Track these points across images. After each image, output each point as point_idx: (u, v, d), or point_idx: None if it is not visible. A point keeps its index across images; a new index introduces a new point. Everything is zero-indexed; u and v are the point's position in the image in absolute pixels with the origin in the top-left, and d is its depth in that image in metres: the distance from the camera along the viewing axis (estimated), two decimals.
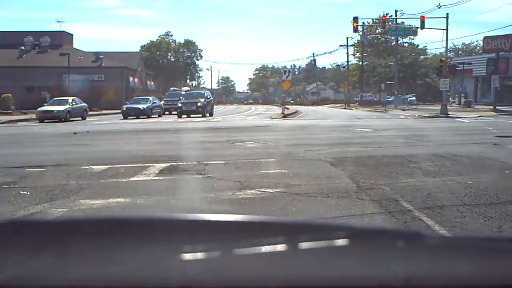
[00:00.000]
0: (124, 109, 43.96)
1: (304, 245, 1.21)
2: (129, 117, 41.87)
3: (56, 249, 1.23)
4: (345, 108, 72.18)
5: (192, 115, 42.39)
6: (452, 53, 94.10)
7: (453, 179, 10.08)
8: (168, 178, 10.50)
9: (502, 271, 1.21)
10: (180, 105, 43.69)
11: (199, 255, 1.16)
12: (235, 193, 8.77)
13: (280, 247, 1.20)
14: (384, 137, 20.51)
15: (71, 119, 38.86)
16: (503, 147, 16.68)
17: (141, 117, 42.32)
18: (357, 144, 17.44)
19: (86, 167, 11.85)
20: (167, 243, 1.24)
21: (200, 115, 42.61)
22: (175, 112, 45.18)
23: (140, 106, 44.01)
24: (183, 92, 55.99)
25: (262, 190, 8.98)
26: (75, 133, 23.31)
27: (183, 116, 42.34)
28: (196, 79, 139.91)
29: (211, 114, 45.46)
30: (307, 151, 15.04)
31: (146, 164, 12.21)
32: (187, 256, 1.16)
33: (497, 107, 47.38)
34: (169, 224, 1.39)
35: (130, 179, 10.32)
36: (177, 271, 1.15)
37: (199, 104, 43.19)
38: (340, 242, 1.23)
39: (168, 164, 12.20)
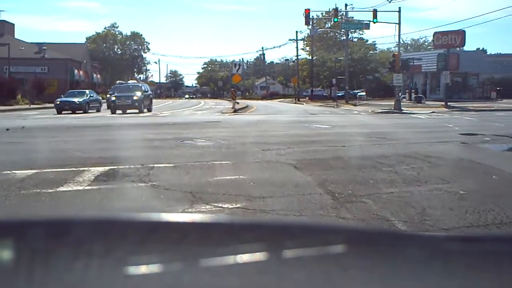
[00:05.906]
0: (58, 102, 40.44)
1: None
2: (63, 112, 38.79)
3: None
4: (295, 103, 71.41)
5: (128, 111, 37.69)
6: (401, 49, 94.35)
7: (440, 187, 8.63)
8: (104, 188, 8.67)
9: None
10: (113, 98, 38.65)
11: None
12: (185, 210, 6.99)
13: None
14: (344, 135, 19.18)
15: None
16: (473, 146, 15.58)
17: (77, 112, 39.21)
18: (317, 143, 15.99)
19: (8, 172, 9.94)
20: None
21: (137, 110, 38.10)
22: None
23: (76, 99, 40.75)
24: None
25: (219, 205, 7.24)
26: (7, 129, 20.97)
27: (118, 111, 37.64)
28: (144, 72, 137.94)
29: (149, 110, 40.79)
30: (265, 151, 13.48)
31: (81, 168, 10.33)
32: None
33: (448, 103, 46.90)
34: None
35: (57, 189, 8.43)
36: None
37: (135, 97, 38.32)
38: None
39: (106, 168, 10.38)
